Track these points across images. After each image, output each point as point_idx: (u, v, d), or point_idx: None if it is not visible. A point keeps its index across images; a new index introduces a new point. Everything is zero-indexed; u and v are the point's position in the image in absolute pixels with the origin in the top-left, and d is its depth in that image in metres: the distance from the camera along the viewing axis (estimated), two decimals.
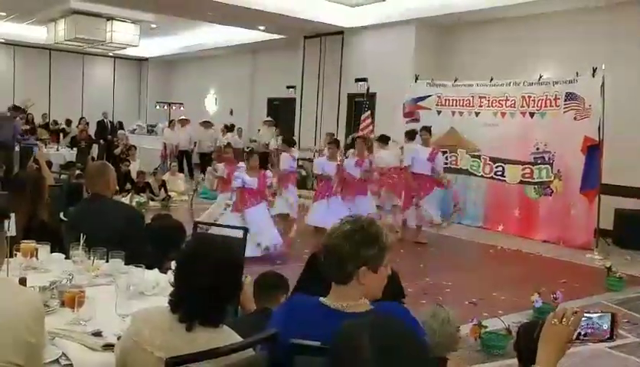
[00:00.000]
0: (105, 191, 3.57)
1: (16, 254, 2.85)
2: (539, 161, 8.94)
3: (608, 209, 8.35)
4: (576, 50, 9.36)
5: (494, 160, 9.48)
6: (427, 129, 8.73)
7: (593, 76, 8.21)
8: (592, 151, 8.12)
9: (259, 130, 15.72)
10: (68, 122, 16.27)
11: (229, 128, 15.48)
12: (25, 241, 2.97)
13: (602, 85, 8.03)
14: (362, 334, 1.22)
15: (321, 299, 1.90)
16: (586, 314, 1.49)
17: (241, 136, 15.52)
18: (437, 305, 3.10)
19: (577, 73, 8.49)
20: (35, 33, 17.23)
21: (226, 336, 1.85)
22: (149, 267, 2.90)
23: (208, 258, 1.87)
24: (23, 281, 2.47)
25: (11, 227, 2.35)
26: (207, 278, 1.82)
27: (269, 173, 7.39)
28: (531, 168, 9.02)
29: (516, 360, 2.34)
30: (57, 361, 1.98)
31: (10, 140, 10.73)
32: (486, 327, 4.40)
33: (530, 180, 9.06)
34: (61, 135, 15.47)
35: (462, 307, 5.16)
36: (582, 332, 1.48)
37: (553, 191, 8.79)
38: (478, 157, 9.68)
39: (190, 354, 1.71)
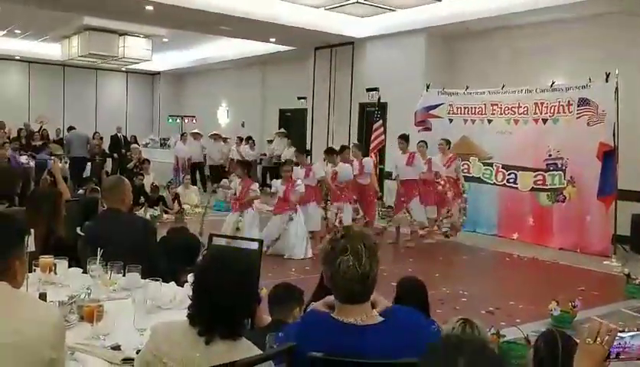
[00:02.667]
0: (120, 205, 3.61)
1: (35, 270, 2.87)
2: (551, 168, 8.87)
3: (625, 214, 8.25)
4: (588, 56, 9.28)
5: (506, 167, 9.42)
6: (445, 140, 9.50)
7: (607, 81, 8.14)
8: (608, 156, 8.04)
9: (268, 141, 15.77)
10: None
11: (244, 140, 15.59)
12: (43, 256, 2.99)
13: (616, 90, 7.97)
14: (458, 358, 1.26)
15: (332, 314, 1.91)
16: (619, 333, 1.44)
17: (254, 148, 15.59)
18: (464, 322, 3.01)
19: (590, 79, 8.43)
20: (49, 50, 17.51)
21: (245, 348, 1.85)
22: (164, 280, 2.92)
23: (225, 271, 1.88)
24: (43, 296, 2.49)
25: (30, 243, 2.38)
26: (224, 291, 1.83)
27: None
28: (543, 175, 8.94)
29: None
30: None
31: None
32: (504, 336, 4.35)
33: (542, 186, 8.98)
34: None
35: (479, 316, 5.09)
36: (615, 352, 1.43)
37: (566, 198, 8.71)
38: (491, 164, 9.63)
39: None
